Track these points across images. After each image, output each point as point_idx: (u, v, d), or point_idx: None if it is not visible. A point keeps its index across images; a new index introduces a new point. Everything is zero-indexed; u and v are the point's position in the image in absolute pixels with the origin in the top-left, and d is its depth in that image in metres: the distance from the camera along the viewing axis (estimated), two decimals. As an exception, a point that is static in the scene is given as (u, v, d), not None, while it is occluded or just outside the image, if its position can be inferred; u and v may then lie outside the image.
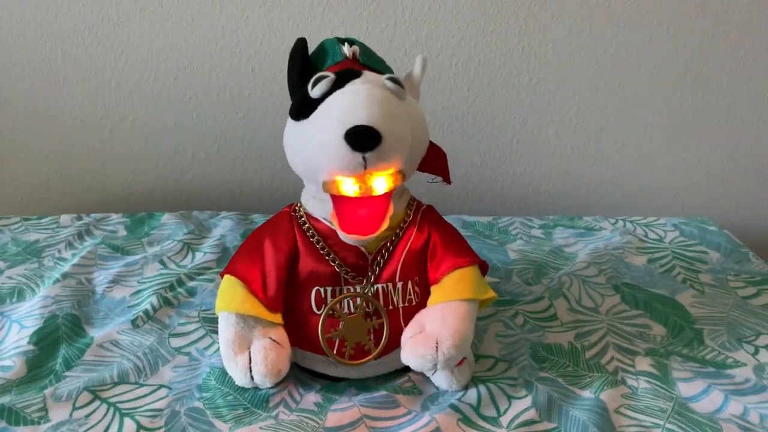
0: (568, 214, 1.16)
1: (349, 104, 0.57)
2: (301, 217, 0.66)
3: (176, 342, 0.73)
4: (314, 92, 0.59)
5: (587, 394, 0.65)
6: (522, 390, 0.65)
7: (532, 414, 0.61)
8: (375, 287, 0.64)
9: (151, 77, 1.10)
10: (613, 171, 1.20)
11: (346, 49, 0.64)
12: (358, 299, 0.64)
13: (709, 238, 1.00)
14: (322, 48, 0.66)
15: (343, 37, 0.66)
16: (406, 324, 0.64)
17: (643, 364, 0.70)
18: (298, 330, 0.65)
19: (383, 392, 0.65)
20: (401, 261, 0.64)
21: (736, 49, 1.12)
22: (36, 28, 1.06)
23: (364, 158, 0.56)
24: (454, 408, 0.62)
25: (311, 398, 0.65)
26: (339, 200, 0.60)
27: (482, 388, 0.65)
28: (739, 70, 1.14)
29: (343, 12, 1.07)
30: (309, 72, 0.61)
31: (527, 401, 0.63)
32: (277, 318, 0.64)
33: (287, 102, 0.64)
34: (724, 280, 0.88)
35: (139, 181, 1.17)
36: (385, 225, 0.60)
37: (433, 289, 0.65)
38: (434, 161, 0.69)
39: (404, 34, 1.09)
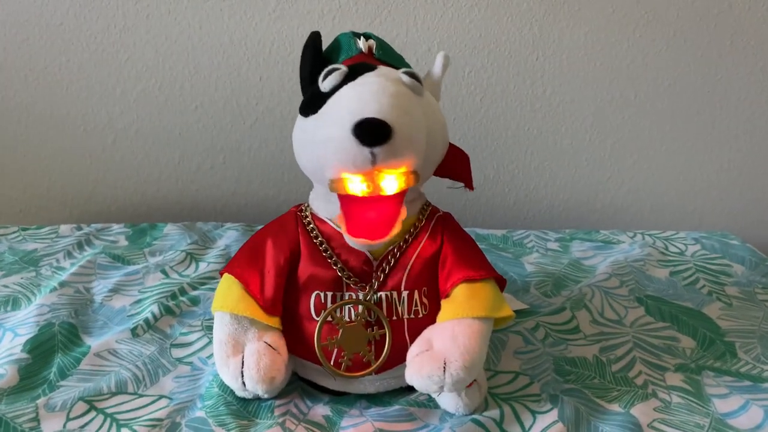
0: (583, 228, 1.13)
1: (359, 96, 0.53)
2: (306, 217, 0.62)
3: (178, 352, 0.69)
4: (324, 85, 0.56)
5: (616, 408, 0.61)
6: (546, 404, 0.61)
7: (559, 429, 0.57)
8: (378, 295, 0.59)
9: (157, 85, 1.08)
10: (630, 184, 1.17)
11: (362, 43, 0.61)
12: (360, 307, 0.59)
13: (732, 251, 0.97)
14: (336, 42, 0.63)
15: (359, 32, 0.63)
16: (411, 337, 0.59)
17: (674, 378, 0.66)
18: (297, 337, 0.60)
19: (397, 406, 0.61)
20: (408, 269, 0.60)
21: (755, 59, 1.10)
22: (40, 34, 1.04)
23: (372, 153, 0.52)
24: (477, 422, 0.57)
25: (319, 410, 0.60)
26: (346, 201, 0.55)
27: (503, 404, 0.60)
28: (757, 81, 1.12)
29: (354, 20, 1.05)
30: (322, 67, 0.57)
31: (553, 415, 0.59)
32: (274, 321, 0.60)
33: (296, 111, 0.61)
34: (751, 293, 0.85)
35: (142, 191, 1.14)
36: (396, 229, 0.55)
37: (444, 303, 0.60)
38: (455, 165, 0.63)
39: (416, 43, 1.07)
